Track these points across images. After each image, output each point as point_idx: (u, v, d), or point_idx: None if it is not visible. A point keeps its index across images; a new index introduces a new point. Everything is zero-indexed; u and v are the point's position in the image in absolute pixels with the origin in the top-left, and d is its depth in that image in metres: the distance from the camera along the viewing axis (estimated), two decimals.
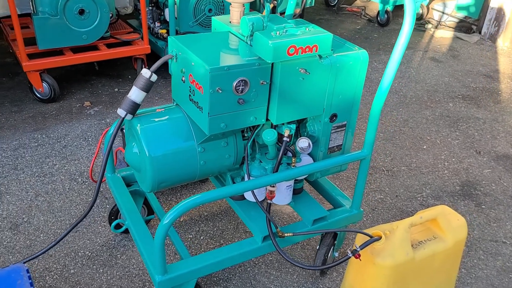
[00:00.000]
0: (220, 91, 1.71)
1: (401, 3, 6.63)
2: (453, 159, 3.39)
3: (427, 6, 6.51)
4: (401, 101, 4.21)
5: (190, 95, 1.85)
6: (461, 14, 6.34)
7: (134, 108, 1.90)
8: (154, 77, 1.89)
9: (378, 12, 6.22)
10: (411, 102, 4.21)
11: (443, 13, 6.46)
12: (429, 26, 6.30)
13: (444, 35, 6.03)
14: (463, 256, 2.53)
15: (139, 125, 1.90)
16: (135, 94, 1.89)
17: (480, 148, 3.55)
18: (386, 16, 6.15)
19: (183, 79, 1.87)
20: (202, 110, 1.77)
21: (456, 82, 4.67)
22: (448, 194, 3.02)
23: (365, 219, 2.74)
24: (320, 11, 6.75)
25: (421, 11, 6.44)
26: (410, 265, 1.97)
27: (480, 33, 5.99)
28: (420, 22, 6.41)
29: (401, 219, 2.10)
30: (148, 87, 1.89)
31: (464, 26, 6.25)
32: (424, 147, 3.53)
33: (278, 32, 1.73)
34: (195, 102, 1.82)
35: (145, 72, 1.87)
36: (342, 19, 6.48)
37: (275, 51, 1.67)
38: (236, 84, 1.73)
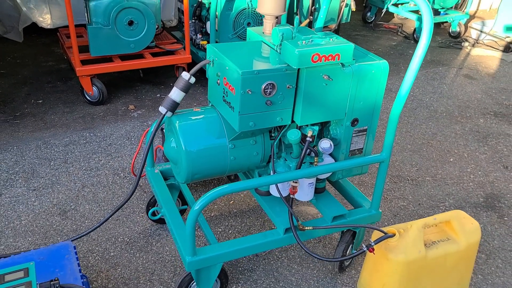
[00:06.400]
0: (250, 93, 1.91)
1: (439, 21, 6.70)
2: (479, 173, 3.45)
3: (465, 25, 6.54)
4: (431, 115, 4.29)
5: (223, 96, 2.07)
6: (501, 33, 6.33)
7: (174, 106, 2.14)
8: (193, 79, 2.12)
9: (415, 29, 6.30)
10: (441, 116, 4.29)
11: (481, 31, 6.47)
12: (466, 44, 6.33)
13: (480, 53, 6.05)
14: (480, 263, 2.60)
15: (177, 122, 2.13)
16: (175, 93, 2.12)
17: (508, 163, 3.59)
18: None
19: (218, 82, 2.09)
20: (234, 110, 1.98)
21: (489, 99, 4.70)
22: (471, 205, 3.09)
23: (386, 223, 2.86)
24: (357, 27, 6.91)
25: (458, 29, 6.47)
26: (422, 263, 2.09)
27: None
28: (457, 40, 6.45)
29: None
30: (187, 88, 2.13)
31: (503, 45, 6.24)
32: (451, 159, 3.60)
33: (304, 41, 1.92)
34: (227, 102, 2.03)
35: (185, 75, 2.11)
36: (379, 35, 6.60)
37: (300, 58, 1.87)
38: (265, 87, 1.94)
